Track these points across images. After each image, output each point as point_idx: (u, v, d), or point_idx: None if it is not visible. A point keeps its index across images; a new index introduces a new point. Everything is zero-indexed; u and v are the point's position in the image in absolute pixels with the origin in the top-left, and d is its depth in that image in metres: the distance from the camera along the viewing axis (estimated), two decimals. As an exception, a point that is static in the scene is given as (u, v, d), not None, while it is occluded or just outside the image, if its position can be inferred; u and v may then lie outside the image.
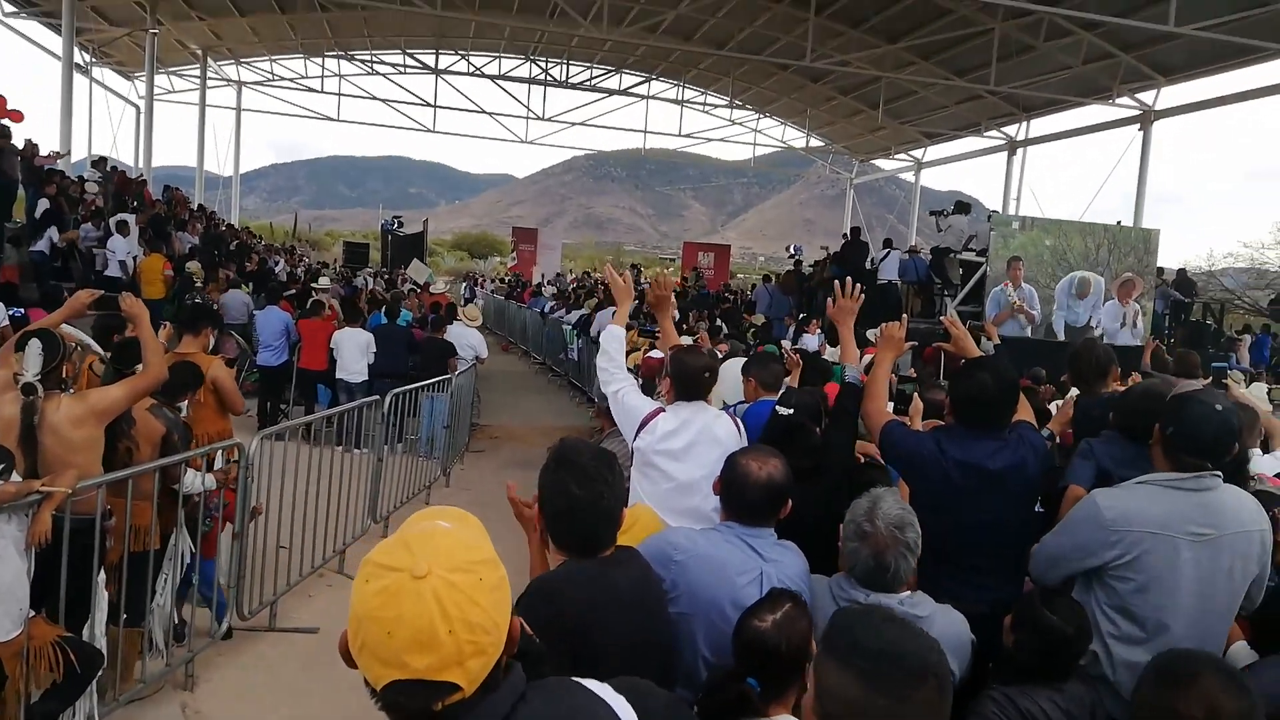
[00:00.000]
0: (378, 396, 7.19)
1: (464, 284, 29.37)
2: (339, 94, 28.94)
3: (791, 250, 20.38)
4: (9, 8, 19.22)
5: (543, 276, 28.47)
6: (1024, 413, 3.16)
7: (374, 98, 29.11)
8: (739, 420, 3.58)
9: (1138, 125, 20.02)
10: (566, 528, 2.05)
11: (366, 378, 9.74)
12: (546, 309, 18.29)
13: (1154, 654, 2.40)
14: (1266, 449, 4.50)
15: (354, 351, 9.76)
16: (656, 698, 1.46)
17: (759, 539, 2.44)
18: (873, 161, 32.34)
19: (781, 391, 4.14)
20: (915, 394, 3.57)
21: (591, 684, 1.30)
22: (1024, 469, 2.89)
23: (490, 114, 29.03)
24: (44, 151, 14.69)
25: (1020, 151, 24.49)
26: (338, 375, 9.81)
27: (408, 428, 8.16)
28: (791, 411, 3.29)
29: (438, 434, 8.85)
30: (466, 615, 1.06)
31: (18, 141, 13.73)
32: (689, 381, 3.39)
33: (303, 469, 5.41)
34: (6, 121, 13.01)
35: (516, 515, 2.36)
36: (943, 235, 14.30)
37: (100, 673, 3.65)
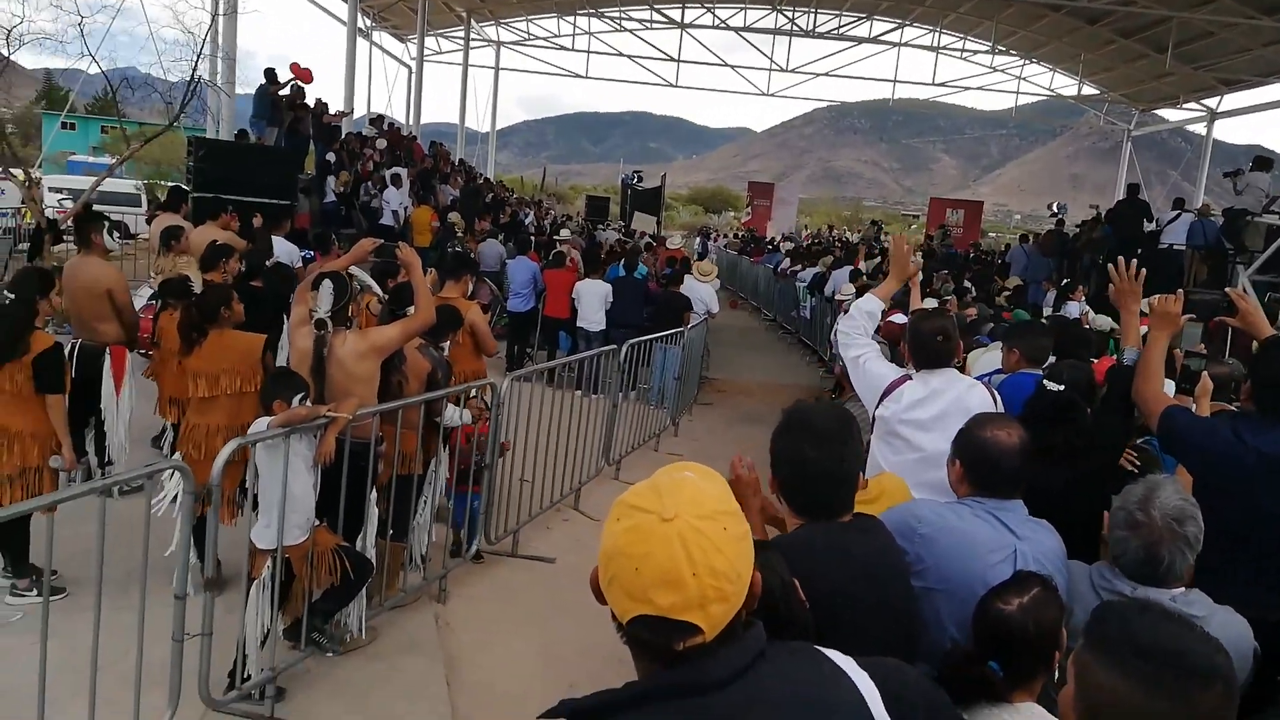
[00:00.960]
0: (614, 346, 7.44)
1: (697, 239, 29.62)
2: (588, 51, 29.89)
3: (1054, 208, 18.60)
4: (303, -25, 21.39)
5: (779, 234, 28.07)
6: None
7: (620, 54, 29.81)
8: (995, 392, 3.35)
9: None
10: (803, 491, 2.00)
11: (604, 327, 10.11)
12: (781, 265, 18.06)
13: None
14: None
15: (594, 301, 10.16)
16: (906, 675, 1.40)
17: (1010, 514, 2.28)
18: (1155, 111, 28.79)
19: (1048, 364, 3.82)
20: (1204, 372, 3.15)
21: (835, 654, 1.27)
22: None
23: (733, 67, 28.80)
24: (331, 110, 16.36)
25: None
26: (578, 323, 10.26)
27: (640, 377, 8.41)
28: (1061, 388, 3.02)
29: (668, 385, 9.05)
30: (710, 560, 1.08)
31: (309, 102, 15.41)
32: (923, 346, 3.23)
33: (545, 410, 5.73)
34: (297, 83, 14.59)
35: (734, 482, 2.29)
36: (1240, 196, 12.51)
37: (369, 580, 4.10)
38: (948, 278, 12.41)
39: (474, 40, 29.42)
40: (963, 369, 4.33)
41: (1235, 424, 2.63)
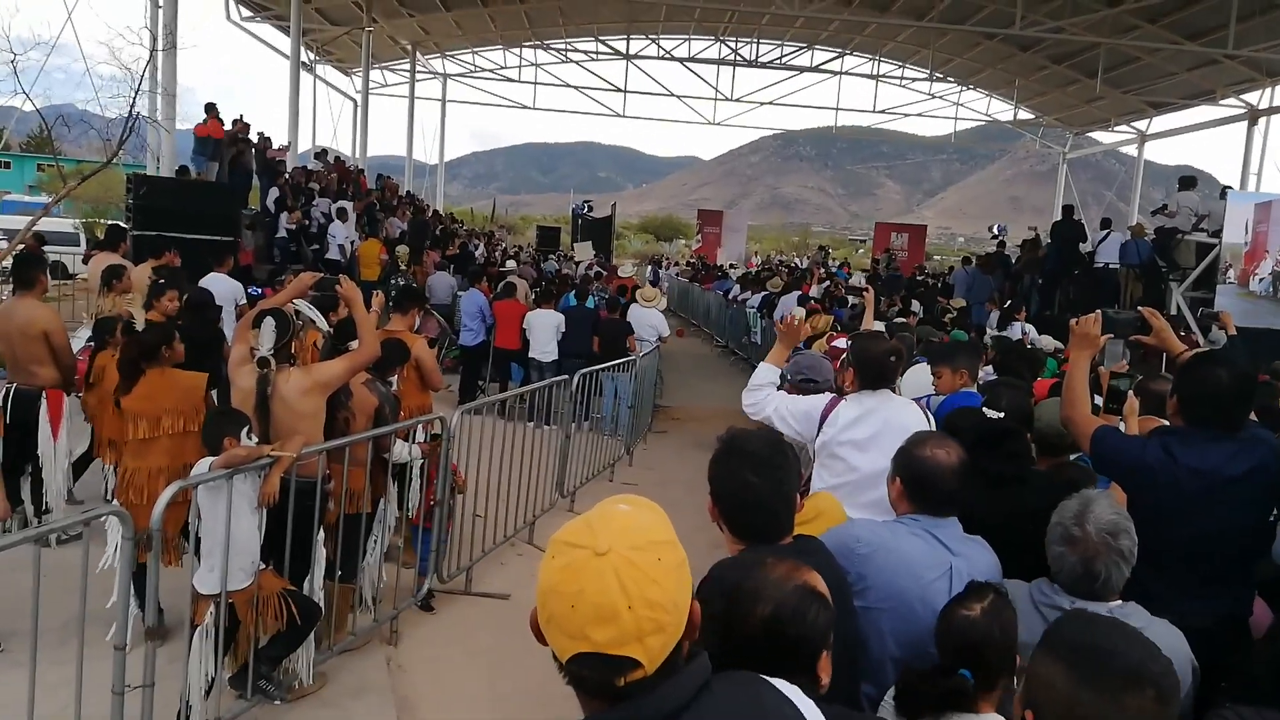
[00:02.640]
0: (566, 376, 7.43)
1: (649, 267, 29.79)
2: (535, 83, 30.08)
3: (995, 230, 19.10)
4: (245, 12, 21.23)
5: (730, 264, 28.35)
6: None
7: (567, 85, 30.05)
8: (929, 411, 3.42)
9: None
10: (745, 516, 2.02)
11: (556, 357, 10.09)
12: (731, 292, 18.24)
13: None
14: None
15: (546, 332, 10.14)
16: None
17: (945, 530, 2.33)
18: (1089, 134, 29.82)
19: (986, 387, 3.90)
20: (1130, 391, 3.23)
21: (780, 683, 1.28)
22: (1266, 473, 2.61)
23: (679, 96, 29.20)
24: (275, 146, 16.21)
25: (1263, 121, 21.74)
26: (530, 354, 10.23)
27: (594, 406, 8.40)
28: (1002, 415, 3.07)
29: (621, 413, 9.05)
30: (645, 592, 1.09)
31: (252, 138, 15.27)
32: (872, 367, 3.28)
33: (497, 443, 5.67)
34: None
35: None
36: (1171, 215, 12.98)
37: (317, 624, 4.01)
38: (895, 300, 12.65)
39: (420, 73, 29.41)
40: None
41: (1165, 441, 2.70)
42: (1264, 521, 2.72)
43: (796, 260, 29.94)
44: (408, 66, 28.69)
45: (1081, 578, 2.13)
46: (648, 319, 10.90)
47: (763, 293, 15.26)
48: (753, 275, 19.75)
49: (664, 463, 8.84)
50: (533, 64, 30.11)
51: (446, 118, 31.78)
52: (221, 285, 8.27)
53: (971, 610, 1.95)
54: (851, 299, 11.90)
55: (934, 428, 3.21)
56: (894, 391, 3.38)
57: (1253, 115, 21.93)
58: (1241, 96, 22.00)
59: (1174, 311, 11.35)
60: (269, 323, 4.01)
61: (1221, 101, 22.37)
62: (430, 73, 30.92)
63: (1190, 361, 2.89)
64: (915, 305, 11.94)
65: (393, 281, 12.11)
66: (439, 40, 28.47)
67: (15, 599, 3.32)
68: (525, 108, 30.61)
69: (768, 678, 1.28)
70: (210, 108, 14.56)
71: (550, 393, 7.19)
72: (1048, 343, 9.26)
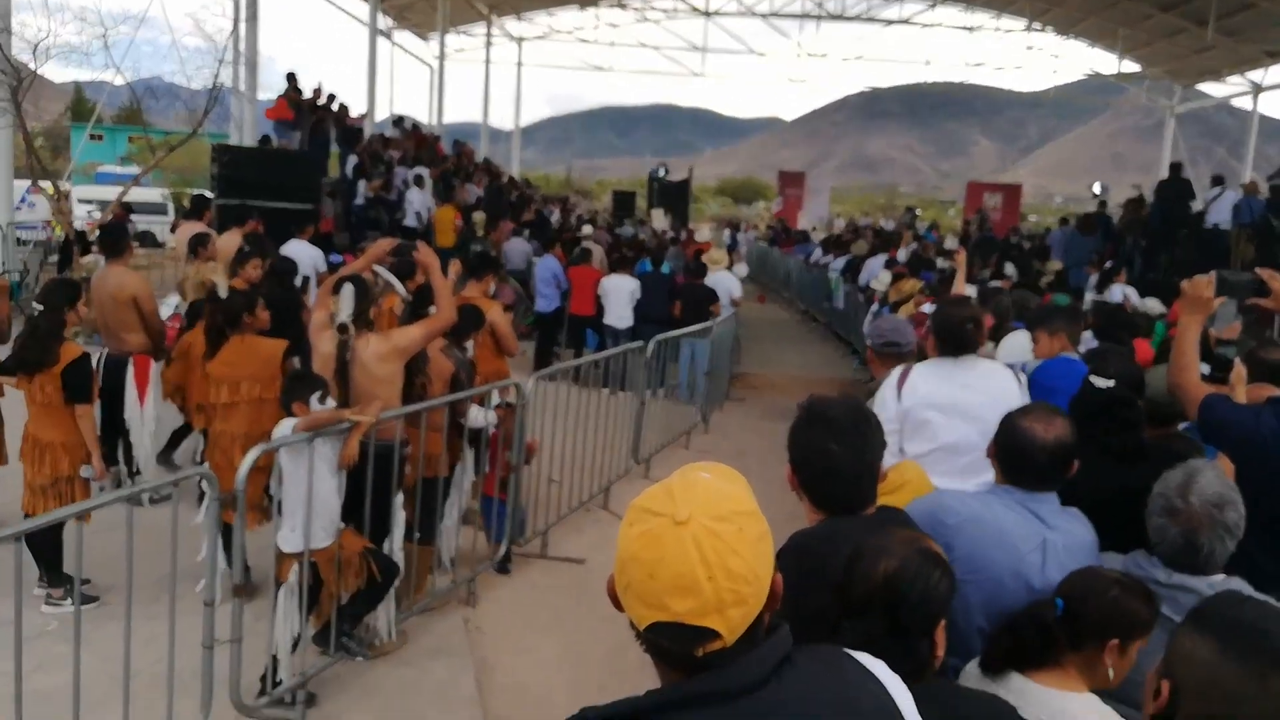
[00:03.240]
0: (641, 342, 7.37)
1: (726, 230, 29.46)
2: (611, 44, 29.78)
3: (1096, 189, 18.19)
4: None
5: (811, 227, 27.77)
6: None
7: (644, 45, 29.69)
8: (1021, 375, 3.28)
9: None
10: (827, 486, 1.97)
11: (632, 324, 10.04)
12: (813, 256, 17.85)
13: None
14: None
15: (621, 298, 10.10)
16: None
17: (1041, 504, 2.23)
18: (1199, 87, 28.01)
19: (1091, 354, 3.70)
20: (1237, 359, 3.01)
21: (864, 658, 1.25)
22: None
23: (760, 54, 28.57)
24: (353, 114, 16.47)
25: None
26: (605, 321, 10.21)
27: (669, 373, 8.33)
28: (1111, 383, 2.88)
29: (698, 380, 8.97)
30: (726, 563, 1.06)
31: (332, 107, 15.53)
32: (952, 334, 3.19)
33: (572, 409, 5.70)
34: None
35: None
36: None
37: (397, 583, 4.09)
38: (989, 262, 12.15)
39: (495, 36, 29.47)
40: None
41: (1278, 410, 2.53)
42: None
43: (882, 223, 29.15)
44: (484, 30, 28.75)
45: (1183, 550, 2.05)
46: (721, 282, 10.73)
47: (846, 256, 14.87)
48: (835, 238, 19.31)
49: (740, 431, 8.73)
50: (609, 24, 29.82)
51: (522, 82, 31.88)
52: (303, 252, 8.48)
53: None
54: (941, 262, 11.50)
55: (1027, 393, 3.07)
56: (987, 357, 3.25)
57: (1384, 62, 20.25)
58: (1370, 43, 20.34)
59: (1257, 270, 10.61)
60: (348, 289, 4.06)
61: (1347, 49, 20.72)
62: (506, 35, 30.96)
63: None
64: (1009, 268, 11.44)
65: (469, 248, 12.21)
66: (514, 3, 28.41)
67: (113, 556, 3.46)
68: (601, 70, 30.44)
69: (852, 652, 1.26)
70: (291, 77, 14.84)
71: (625, 359, 7.16)
72: (1154, 305, 8.77)
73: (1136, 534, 2.21)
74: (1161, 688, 1.39)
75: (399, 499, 4.17)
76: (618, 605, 1.14)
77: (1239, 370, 3.17)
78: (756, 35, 28.80)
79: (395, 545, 4.17)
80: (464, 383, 4.67)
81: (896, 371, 3.29)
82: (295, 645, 3.73)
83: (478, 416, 4.76)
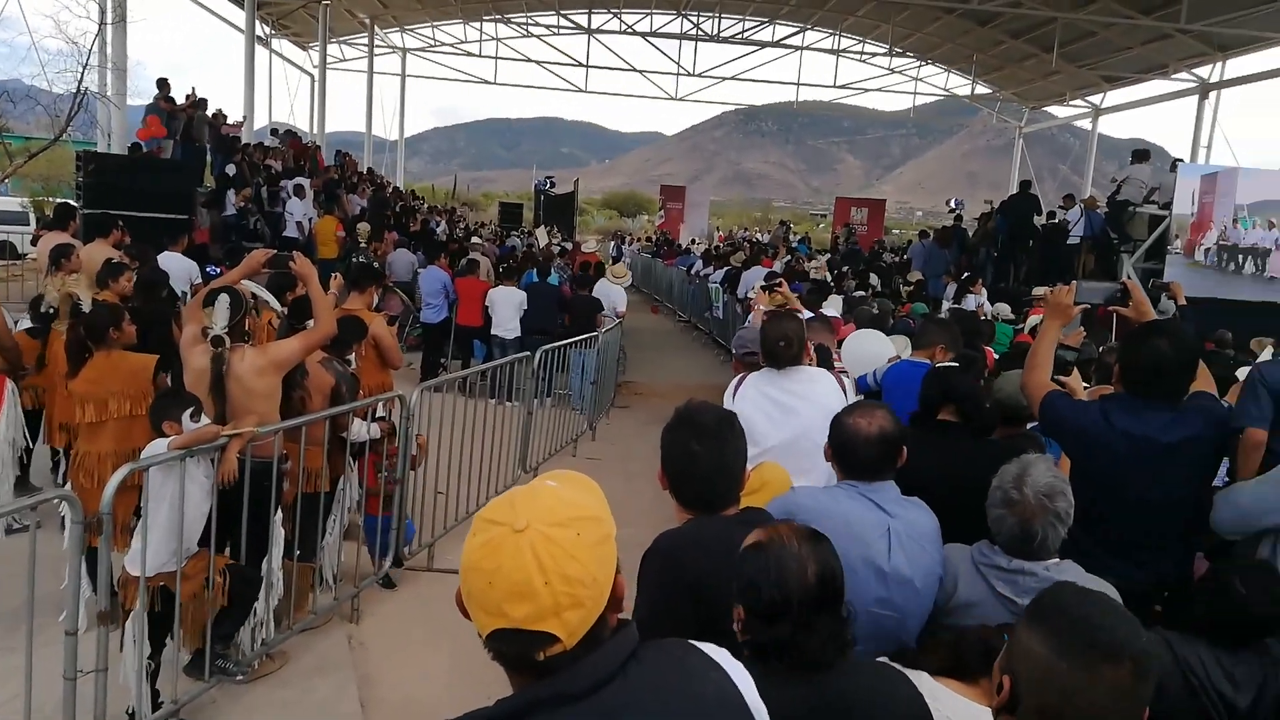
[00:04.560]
0: (529, 353, 7.41)
1: (612, 243, 29.72)
2: (496, 57, 29.69)
3: (952, 204, 19.35)
4: (198, -16, 20.63)
5: (692, 240, 28.30)
6: (1204, 381, 2.90)
7: (529, 60, 29.69)
8: (844, 380, 3.57)
9: (1360, 60, 17.70)
10: (689, 485, 2.08)
11: (519, 334, 10.06)
12: (694, 268, 18.25)
13: None
14: None
15: (508, 309, 10.10)
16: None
17: (881, 494, 2.38)
18: (1045, 109, 30.12)
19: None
20: (1074, 366, 3.32)
21: (709, 648, 1.29)
22: (1201, 443, 2.68)
23: (641, 71, 29.02)
24: (229, 121, 15.83)
25: (1213, 95, 22.12)
26: (492, 331, 10.19)
27: (557, 382, 8.41)
28: (954, 364, 3.15)
29: (585, 389, 9.06)
30: (563, 568, 1.09)
31: (205, 111, 14.90)
32: (766, 350, 3.48)
33: (459, 420, 5.68)
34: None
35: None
36: (1121, 187, 13.22)
37: (275, 602, 3.99)
38: (854, 274, 12.74)
39: (379, 47, 28.90)
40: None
41: (1105, 407, 2.77)
42: (1203, 491, 2.78)
43: (759, 236, 30.02)
44: (366, 41, 28.17)
45: (1019, 538, 2.21)
46: (611, 295, 10.91)
47: (725, 268, 15.30)
48: (715, 251, 19.79)
49: (626, 437, 8.87)
50: (494, 38, 29.72)
51: (406, 93, 31.37)
52: (176, 264, 8.14)
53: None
54: (813, 274, 12.00)
55: (851, 397, 3.33)
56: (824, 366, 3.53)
57: (1203, 89, 22.28)
58: (1193, 70, 22.32)
59: (1123, 280, 11.58)
60: (222, 300, 3.95)
61: (1173, 76, 22.70)
62: (389, 47, 30.42)
63: (1134, 332, 2.96)
64: (874, 279, 12.05)
65: (352, 259, 11.94)
66: (397, 14, 27.96)
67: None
68: (487, 83, 30.24)
69: (697, 644, 1.29)
70: (162, 83, 14.16)
71: (512, 369, 7.18)
72: (1004, 311, 9.42)
73: (980, 525, 2.38)
74: (1003, 683, 1.43)
75: (278, 516, 4.08)
76: (465, 614, 1.16)
77: (1076, 378, 3.51)
78: (638, 53, 29.24)
79: (274, 564, 4.06)
80: (345, 396, 4.60)
81: (735, 379, 3.54)
82: (153, 674, 3.58)
83: (360, 430, 4.69)
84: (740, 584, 1.67)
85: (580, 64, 28.75)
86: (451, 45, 30.31)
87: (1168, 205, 12.40)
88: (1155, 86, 24.11)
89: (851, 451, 2.41)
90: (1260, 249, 11.99)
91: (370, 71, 28.17)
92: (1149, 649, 1.36)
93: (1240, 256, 12.01)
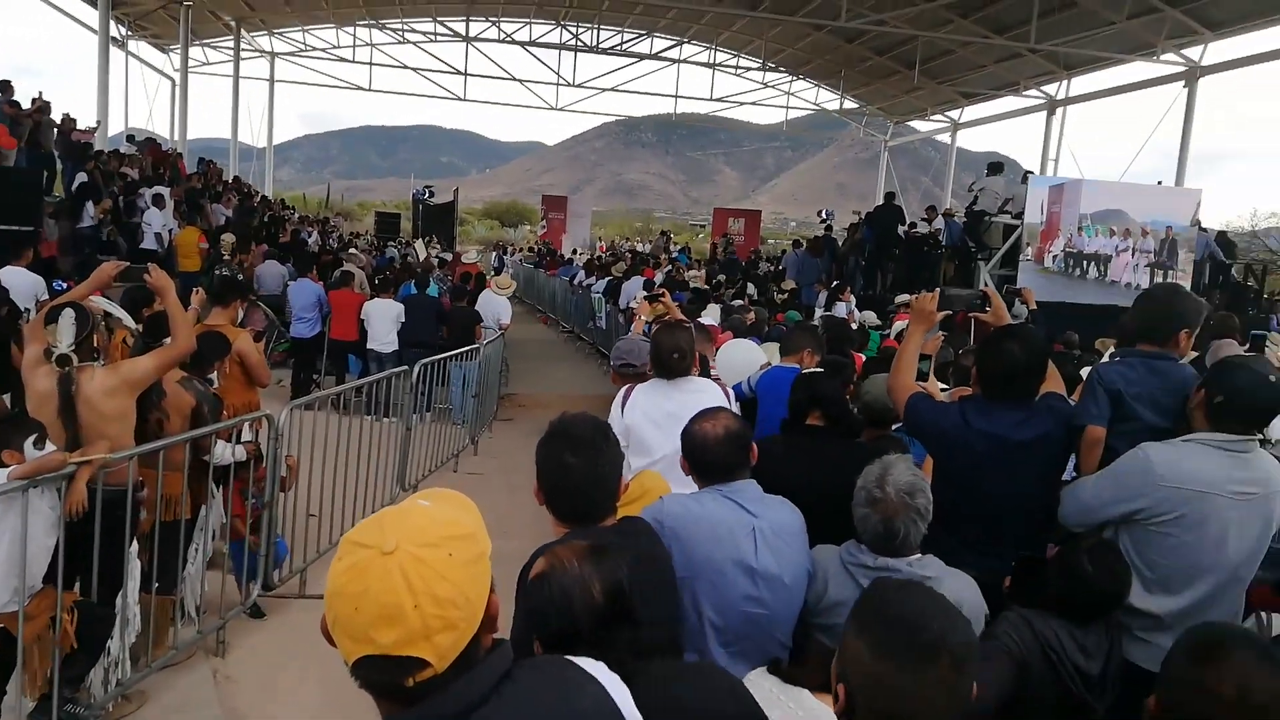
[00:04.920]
0: (406, 367, 7.25)
1: (494, 253, 29.42)
2: (370, 63, 28.95)
3: (823, 215, 20.12)
4: (46, -20, 19.32)
5: (575, 250, 28.34)
6: (1053, 383, 3.07)
7: (405, 66, 29.09)
8: (729, 390, 3.66)
9: (1182, 82, 19.38)
10: (564, 497, 2.07)
11: (397, 348, 9.83)
12: (576, 278, 18.27)
13: (1175, 607, 2.53)
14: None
15: (384, 322, 9.85)
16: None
17: (742, 494, 2.43)
18: (908, 123, 31.67)
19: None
20: (930, 373, 3.50)
21: (585, 662, 1.29)
22: (1051, 441, 2.84)
23: (521, 81, 28.89)
24: (81, 126, 14.86)
25: (1060, 111, 23.81)
26: (368, 345, 9.92)
27: (437, 396, 8.25)
28: (819, 370, 3.27)
29: (466, 403, 8.93)
30: (433, 590, 1.06)
31: (55, 116, 13.93)
32: (658, 359, 3.53)
33: (333, 438, 5.48)
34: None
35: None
36: (978, 198, 14.03)
37: (133, 638, 3.75)
38: (733, 281, 13.04)
39: (245, 51, 27.70)
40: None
41: (963, 407, 2.92)
42: (1053, 486, 2.93)
43: (639, 246, 30.35)
44: (231, 44, 26.96)
45: (883, 536, 2.29)
46: (495, 307, 10.80)
47: (607, 278, 15.38)
48: (597, 261, 19.88)
49: (509, 450, 8.77)
50: (368, 44, 28.96)
51: (275, 99, 30.21)
52: (20, 279, 7.61)
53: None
54: (693, 283, 12.21)
55: (733, 404, 3.42)
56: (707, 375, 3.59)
57: (1051, 105, 23.93)
58: (1042, 88, 23.96)
59: (982, 288, 12.27)
60: (66, 316, 3.70)
61: (1024, 92, 24.31)
62: (256, 51, 29.22)
63: (990, 337, 3.13)
64: (751, 288, 12.37)
65: (215, 272, 11.38)
66: (265, 17, 26.88)
67: None
68: (361, 89, 29.44)
69: (574, 659, 1.29)
70: (4, 86, 13.15)
71: (390, 384, 7.00)
72: (870, 318, 9.82)
73: (849, 526, 2.45)
74: (838, 692, 1.42)
75: (133, 548, 3.83)
76: (332, 642, 1.11)
77: (933, 379, 3.69)
78: (517, 62, 29.08)
79: (131, 598, 3.82)
80: (207, 417, 4.38)
81: (622, 390, 3.56)
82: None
83: (224, 452, 4.47)
84: (529, 619, 1.64)
85: (459, 72, 28.36)
86: (323, 50, 29.38)
87: (1020, 215, 13.21)
88: (1008, 102, 25.78)
89: (703, 455, 2.46)
90: (1102, 255, 12.93)
91: (236, 76, 26.99)
92: (964, 640, 1.38)
93: (1085, 262, 12.92)
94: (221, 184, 18.99)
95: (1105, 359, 3.98)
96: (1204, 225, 14.19)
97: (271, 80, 29.88)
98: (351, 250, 16.16)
